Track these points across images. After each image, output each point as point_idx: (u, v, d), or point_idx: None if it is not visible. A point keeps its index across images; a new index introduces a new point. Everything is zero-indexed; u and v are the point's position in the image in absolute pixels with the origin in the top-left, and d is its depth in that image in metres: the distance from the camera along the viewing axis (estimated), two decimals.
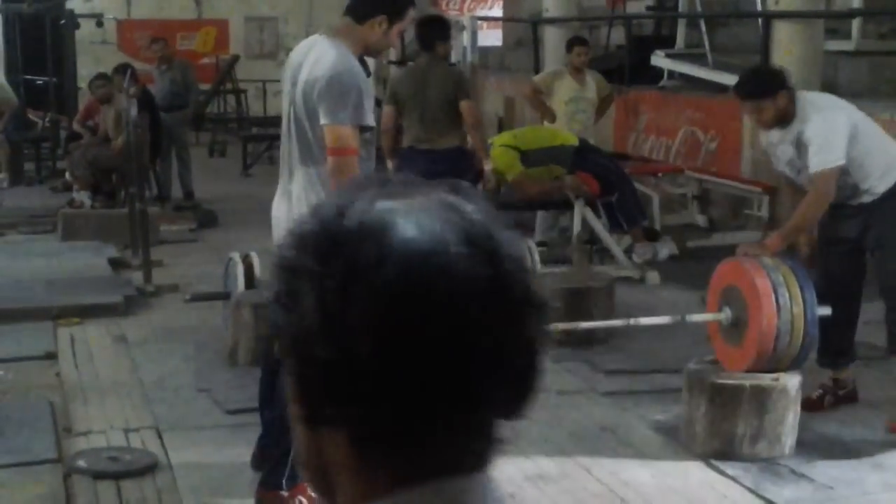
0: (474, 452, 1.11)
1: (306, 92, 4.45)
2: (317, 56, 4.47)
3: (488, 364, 1.06)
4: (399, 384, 1.03)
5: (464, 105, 8.08)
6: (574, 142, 9.11)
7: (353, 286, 1.02)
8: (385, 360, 1.02)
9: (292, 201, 4.59)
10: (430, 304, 1.02)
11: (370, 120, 4.47)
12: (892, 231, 5.55)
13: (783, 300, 5.20)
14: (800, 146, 5.55)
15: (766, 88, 5.57)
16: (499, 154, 9.04)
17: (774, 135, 5.68)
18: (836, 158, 5.41)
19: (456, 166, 7.87)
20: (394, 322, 1.02)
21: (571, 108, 9.61)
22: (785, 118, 5.57)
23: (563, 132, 9.38)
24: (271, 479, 4.67)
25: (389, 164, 8.32)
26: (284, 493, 4.64)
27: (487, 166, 8.09)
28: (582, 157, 8.90)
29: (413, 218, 1.05)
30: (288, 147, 4.61)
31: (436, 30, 8.44)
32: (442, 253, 1.04)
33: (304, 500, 4.62)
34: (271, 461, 4.69)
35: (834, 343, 5.68)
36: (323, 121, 4.40)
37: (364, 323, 1.02)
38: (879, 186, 5.57)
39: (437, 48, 8.32)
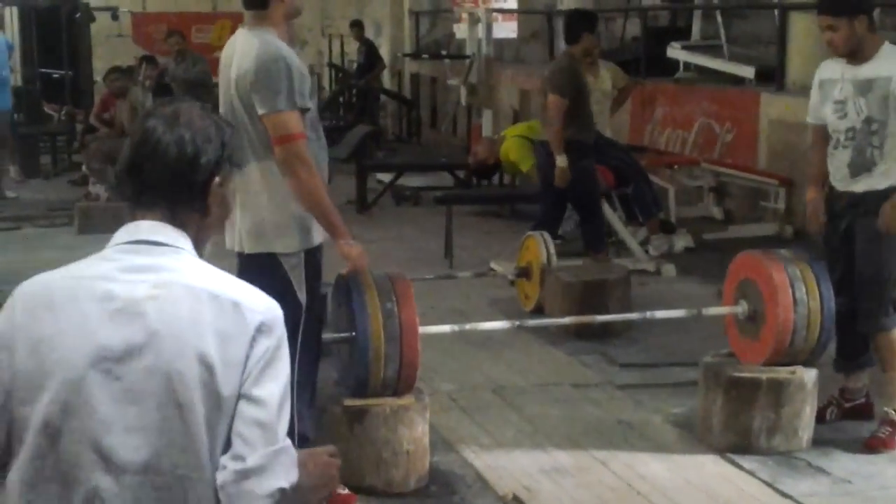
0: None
1: (239, 88, 4.41)
2: (242, 50, 4.45)
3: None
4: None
5: (549, 98, 8.12)
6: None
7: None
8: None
9: (240, 203, 4.46)
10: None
11: (307, 101, 4.43)
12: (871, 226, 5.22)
13: (800, 294, 5.19)
14: (868, 92, 5.19)
15: (844, 6, 5.19)
16: (512, 145, 9.05)
17: (834, 69, 5.32)
18: None
19: (549, 158, 8.04)
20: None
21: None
22: (857, 50, 5.18)
23: None
24: None
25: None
26: None
27: (561, 162, 8.09)
28: (597, 149, 8.87)
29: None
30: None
31: (582, 23, 8.51)
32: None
33: None
34: None
35: (847, 342, 5.48)
36: (260, 111, 4.35)
37: None
38: (887, 179, 5.22)
39: (582, 40, 8.35)
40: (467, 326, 5.76)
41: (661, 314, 6.09)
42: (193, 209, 2.14)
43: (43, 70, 15.80)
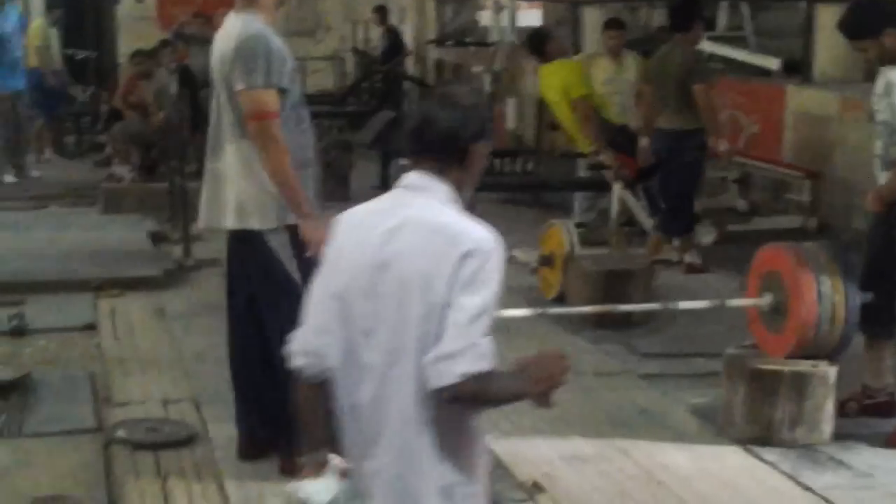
0: None
1: (222, 67, 4.55)
2: (225, 32, 4.60)
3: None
4: None
5: (696, 89, 8.13)
6: (618, 122, 9.14)
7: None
8: None
9: (219, 181, 4.63)
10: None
11: (285, 81, 4.52)
12: None
13: (824, 288, 5.17)
14: (887, 96, 5.17)
15: (866, 28, 5.19)
16: (568, 71, 8.92)
17: (879, 84, 5.26)
18: None
19: (675, 146, 8.11)
20: None
21: (608, 89, 9.53)
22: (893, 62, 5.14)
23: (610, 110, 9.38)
24: (292, 447, 4.69)
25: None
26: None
27: (722, 146, 8.15)
28: (624, 137, 8.86)
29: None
30: (216, 126, 4.68)
31: (693, 11, 8.61)
32: None
33: None
34: (290, 430, 4.70)
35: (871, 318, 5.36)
36: (237, 87, 4.47)
37: None
38: None
39: (693, 27, 8.45)
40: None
41: (684, 305, 6.07)
42: (454, 166, 2.74)
43: (67, 51, 15.83)
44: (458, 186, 2.77)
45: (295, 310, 4.53)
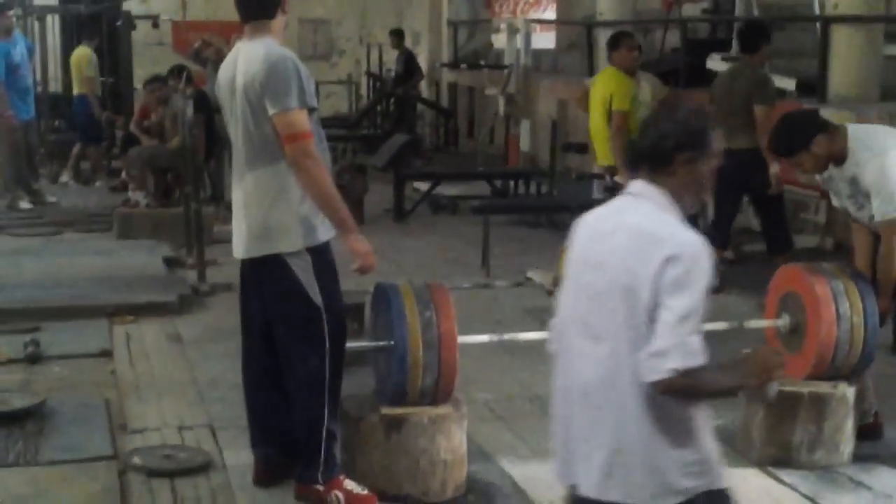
0: None
1: (248, 93, 4.51)
2: (246, 58, 4.56)
3: None
4: None
5: (757, 110, 8.20)
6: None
7: None
8: None
9: (248, 208, 4.60)
10: None
11: (314, 101, 4.54)
12: None
13: (843, 309, 5.13)
14: (856, 186, 5.31)
15: (794, 144, 5.34)
16: (617, 82, 8.84)
17: (830, 170, 5.43)
18: None
19: (741, 167, 7.98)
20: None
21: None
22: (834, 159, 5.30)
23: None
24: (307, 474, 4.69)
25: None
26: (321, 488, 4.65)
27: (773, 169, 8.14)
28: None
29: None
30: (238, 157, 4.66)
31: (761, 33, 8.68)
32: None
33: (339, 494, 4.63)
34: (305, 457, 4.69)
35: None
36: (271, 111, 4.45)
37: None
38: None
39: (761, 49, 8.52)
40: (506, 336, 5.73)
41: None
42: (666, 175, 3.00)
43: None
44: (675, 195, 3.03)
45: (316, 333, 4.57)
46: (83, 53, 14.35)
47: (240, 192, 4.68)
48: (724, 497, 3.06)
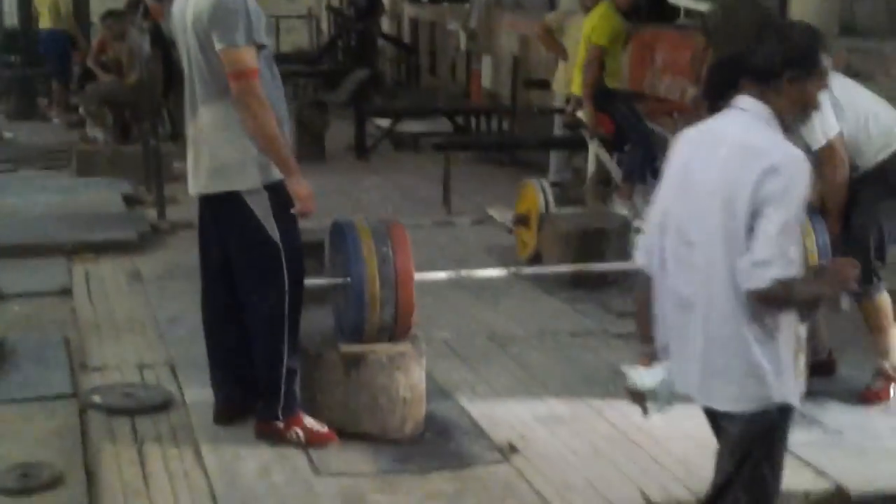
0: None
1: (196, 28, 4.49)
2: None
3: None
4: None
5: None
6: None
7: None
8: None
9: (199, 146, 4.60)
10: None
11: (263, 37, 4.49)
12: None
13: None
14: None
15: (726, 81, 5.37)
16: (599, 17, 8.78)
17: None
18: (830, 127, 5.09)
19: None
20: None
21: (583, 46, 9.50)
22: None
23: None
24: (266, 411, 4.73)
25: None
26: (280, 424, 4.69)
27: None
28: (607, 98, 8.77)
29: None
30: (190, 93, 4.64)
31: None
32: None
33: (299, 430, 4.69)
34: (265, 394, 4.72)
35: None
36: (218, 46, 4.42)
37: None
38: (871, 163, 5.26)
39: None
40: (463, 273, 5.78)
41: None
42: (771, 92, 3.12)
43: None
44: (779, 111, 3.15)
45: (274, 269, 4.58)
46: None
47: (192, 128, 4.67)
48: (790, 416, 3.29)
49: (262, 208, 4.56)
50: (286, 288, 4.62)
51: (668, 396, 3.36)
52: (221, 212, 4.67)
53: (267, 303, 4.65)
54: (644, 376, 3.37)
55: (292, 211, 4.57)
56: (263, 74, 4.50)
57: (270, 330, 4.67)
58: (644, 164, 8.74)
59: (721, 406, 3.25)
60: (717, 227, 3.07)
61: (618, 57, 8.84)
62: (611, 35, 8.65)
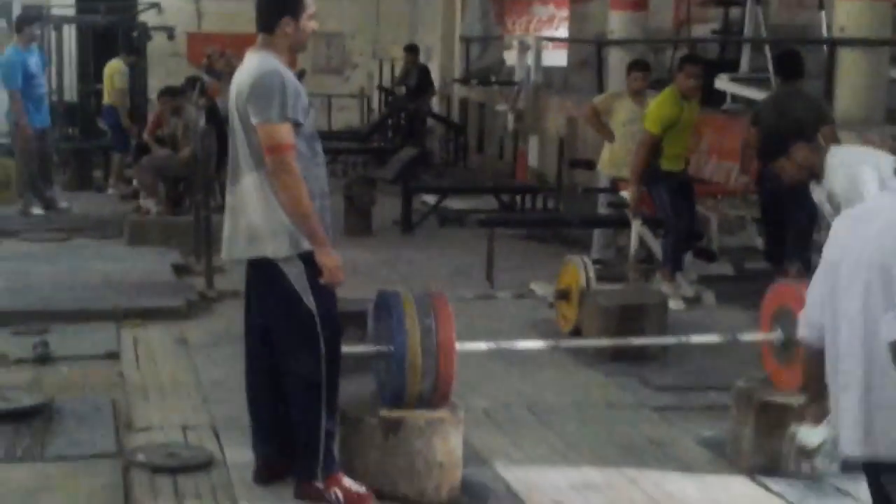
0: None
1: (238, 102, 4.72)
2: (241, 70, 4.79)
3: None
4: None
5: (824, 130, 8.27)
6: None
7: None
8: None
9: (237, 212, 4.78)
10: None
11: (301, 116, 4.67)
12: None
13: None
14: (833, 204, 5.52)
15: (773, 149, 5.60)
16: (655, 103, 8.90)
17: (819, 197, 5.66)
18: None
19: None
20: None
21: (630, 128, 9.65)
22: (814, 172, 5.55)
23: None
24: (306, 472, 4.82)
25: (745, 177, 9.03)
26: (320, 485, 4.77)
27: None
28: (654, 179, 8.90)
29: None
30: (234, 159, 4.82)
31: (798, 63, 9.06)
32: None
33: (338, 491, 4.76)
34: (304, 455, 4.81)
35: None
36: (254, 121, 4.63)
37: None
38: None
39: (799, 79, 8.92)
40: (503, 344, 5.85)
41: (696, 339, 6.15)
42: None
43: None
44: None
45: (311, 336, 4.70)
46: (116, 66, 14.61)
47: (232, 197, 4.85)
48: None
49: (297, 276, 4.69)
50: (322, 354, 4.73)
51: (833, 454, 3.55)
52: (261, 278, 4.83)
53: (305, 369, 4.77)
54: (811, 435, 3.59)
55: (320, 280, 4.69)
56: (301, 150, 4.67)
57: (308, 394, 4.77)
58: (676, 249, 8.82)
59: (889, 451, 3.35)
60: (873, 290, 3.28)
61: (680, 140, 8.94)
62: (663, 122, 8.79)
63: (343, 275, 4.72)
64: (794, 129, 8.23)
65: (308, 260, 4.69)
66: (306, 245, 4.68)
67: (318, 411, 4.74)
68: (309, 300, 4.70)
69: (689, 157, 9.28)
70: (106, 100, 14.65)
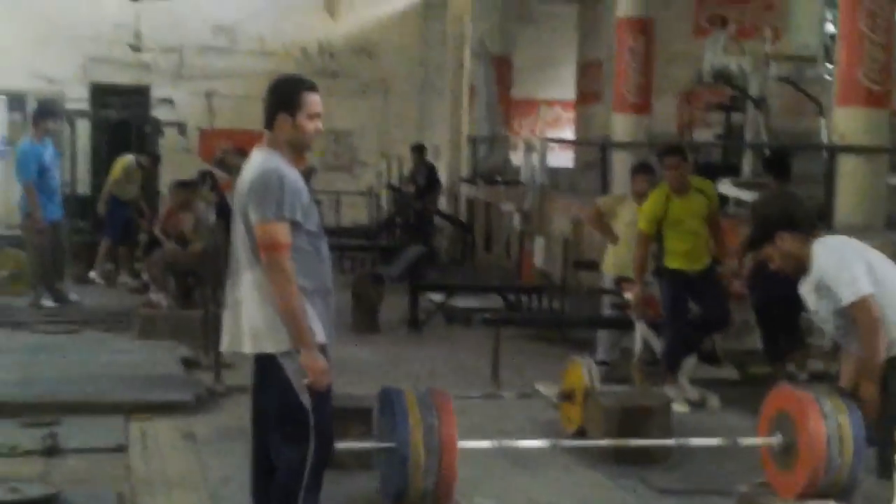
0: None
1: (240, 199, 4.81)
2: (247, 166, 4.87)
3: None
4: None
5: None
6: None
7: None
8: None
9: (238, 307, 4.84)
10: None
11: (299, 215, 4.73)
12: None
13: (831, 429, 5.31)
14: (821, 292, 5.64)
15: (758, 235, 5.77)
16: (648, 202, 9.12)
17: (806, 288, 5.79)
18: (864, 285, 5.45)
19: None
20: None
21: (633, 230, 9.78)
22: (801, 264, 5.69)
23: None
24: None
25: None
26: None
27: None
28: (659, 275, 9.06)
29: None
30: (235, 257, 4.91)
31: (787, 164, 9.62)
32: None
33: None
34: None
35: None
36: (251, 218, 4.72)
37: None
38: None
39: (789, 180, 9.45)
40: (505, 442, 5.93)
41: (696, 441, 6.22)
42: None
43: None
44: None
45: (300, 433, 4.74)
46: (121, 160, 14.84)
47: (232, 290, 4.90)
48: None
49: (295, 372, 4.73)
50: (310, 453, 4.74)
51: None
52: (262, 371, 4.89)
53: (287, 465, 4.78)
54: None
55: (304, 382, 4.72)
56: (304, 247, 4.74)
57: (286, 488, 4.78)
58: (672, 349, 8.90)
59: None
60: None
61: (681, 237, 8.93)
62: (650, 219, 8.93)
63: (328, 378, 4.75)
64: (784, 221, 8.52)
65: None
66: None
67: None
68: (304, 396, 4.73)
69: (716, 256, 9.17)
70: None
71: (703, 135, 15.27)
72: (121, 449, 7.17)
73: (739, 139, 13.95)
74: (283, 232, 4.67)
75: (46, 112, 13.16)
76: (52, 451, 6.98)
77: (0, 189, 19.74)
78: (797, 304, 8.75)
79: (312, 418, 4.74)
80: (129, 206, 14.74)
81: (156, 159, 15.28)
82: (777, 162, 9.69)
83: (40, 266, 12.32)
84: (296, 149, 4.88)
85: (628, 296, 9.20)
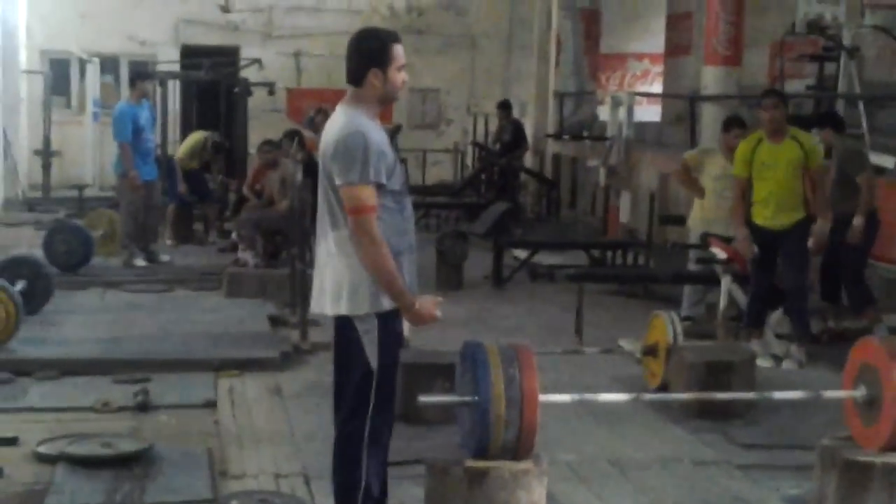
0: None
1: (324, 159, 4.76)
2: (330, 125, 4.81)
3: None
4: None
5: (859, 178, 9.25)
6: None
7: None
8: None
9: (323, 268, 4.84)
10: None
11: (384, 176, 4.68)
12: None
13: None
14: None
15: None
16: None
17: None
18: None
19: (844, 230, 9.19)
20: None
21: (720, 185, 9.71)
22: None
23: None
24: None
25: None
26: None
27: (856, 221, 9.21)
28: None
29: None
30: (321, 219, 4.88)
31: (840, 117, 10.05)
32: None
33: None
34: None
35: None
36: (336, 182, 4.68)
37: None
38: None
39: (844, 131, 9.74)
40: (587, 396, 5.93)
41: (779, 395, 6.17)
42: None
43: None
44: None
45: (363, 395, 4.77)
46: (194, 137, 15.03)
47: (320, 251, 4.91)
48: None
49: (368, 335, 4.73)
50: (369, 415, 4.77)
51: None
52: (340, 332, 4.91)
53: (350, 424, 4.83)
54: None
55: (408, 321, 4.77)
56: (389, 206, 4.72)
57: (349, 452, 4.82)
58: (753, 305, 8.80)
59: None
60: None
61: (761, 185, 8.69)
62: (741, 159, 8.78)
63: (436, 310, 4.78)
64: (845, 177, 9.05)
65: (385, 320, 4.75)
66: (386, 304, 4.72)
67: (356, 475, 4.79)
68: (372, 359, 4.74)
69: (810, 213, 8.69)
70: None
71: (794, 85, 14.98)
72: (210, 405, 7.33)
73: (832, 90, 13.67)
74: (369, 195, 4.63)
75: (143, 74, 13.38)
76: (143, 406, 7.16)
77: (94, 151, 20.17)
78: (863, 258, 8.96)
79: (375, 381, 4.76)
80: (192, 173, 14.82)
81: (219, 146, 15.34)
82: (832, 115, 10.07)
83: (134, 226, 12.55)
84: (384, 103, 4.84)
85: (715, 250, 9.12)
